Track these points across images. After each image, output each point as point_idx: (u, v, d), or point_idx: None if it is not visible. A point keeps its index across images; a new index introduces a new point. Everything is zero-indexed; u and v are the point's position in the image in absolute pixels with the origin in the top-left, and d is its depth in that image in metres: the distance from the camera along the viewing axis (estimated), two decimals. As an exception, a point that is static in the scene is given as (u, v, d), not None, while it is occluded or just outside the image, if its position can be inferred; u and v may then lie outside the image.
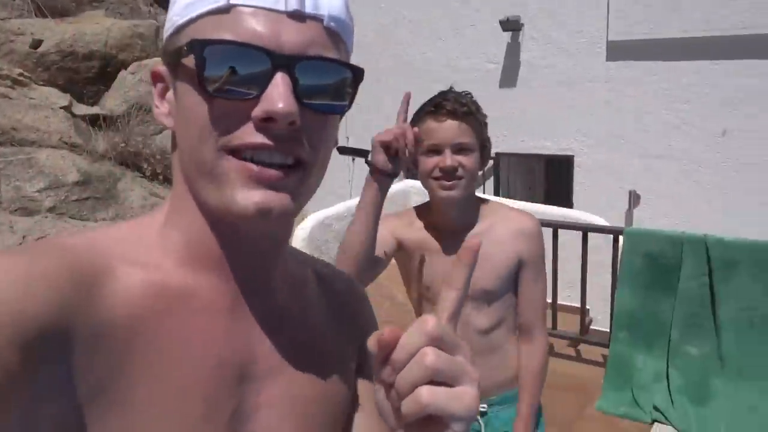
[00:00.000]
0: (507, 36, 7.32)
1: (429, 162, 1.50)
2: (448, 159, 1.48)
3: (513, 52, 7.40)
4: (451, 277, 0.53)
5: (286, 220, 0.62)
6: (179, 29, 0.56)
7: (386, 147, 1.36)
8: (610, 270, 3.90)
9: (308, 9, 0.55)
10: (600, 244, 4.13)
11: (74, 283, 0.49)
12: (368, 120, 8.49)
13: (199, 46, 0.53)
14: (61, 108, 5.88)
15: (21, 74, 5.84)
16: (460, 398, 0.45)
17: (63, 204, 5.23)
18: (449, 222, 1.60)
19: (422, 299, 1.68)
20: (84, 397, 0.49)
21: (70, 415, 0.48)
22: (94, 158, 5.73)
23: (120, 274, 0.54)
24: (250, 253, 0.61)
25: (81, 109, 6.15)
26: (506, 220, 1.62)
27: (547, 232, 4.14)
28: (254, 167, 0.54)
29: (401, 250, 1.63)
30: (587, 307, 4.70)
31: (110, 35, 6.65)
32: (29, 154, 5.31)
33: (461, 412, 0.45)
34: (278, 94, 0.52)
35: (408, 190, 5.96)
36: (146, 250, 0.58)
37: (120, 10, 7.93)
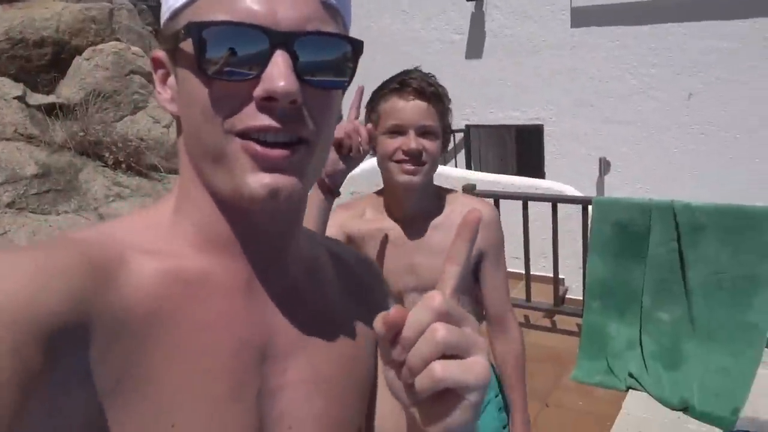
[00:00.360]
0: (470, 6, 7.23)
1: (391, 143, 1.39)
2: (413, 141, 1.37)
3: (477, 21, 7.31)
4: (450, 252, 0.53)
5: (296, 201, 0.61)
6: (176, 13, 0.56)
7: (338, 145, 1.27)
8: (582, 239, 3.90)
9: None
10: (572, 213, 4.13)
11: (90, 275, 0.50)
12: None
13: (196, 29, 0.52)
14: (14, 98, 5.67)
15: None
16: (472, 369, 0.46)
17: (22, 198, 5.07)
18: (407, 210, 1.49)
19: None
20: (107, 387, 0.50)
21: (93, 406, 0.49)
22: (52, 149, 5.55)
23: (133, 263, 0.54)
24: (262, 234, 0.61)
25: (36, 98, 5.93)
26: (464, 208, 1.46)
27: (517, 204, 4.14)
28: (258, 147, 0.53)
29: (351, 243, 1.51)
30: (562, 276, 4.73)
31: (62, 20, 6.40)
32: (-18, 147, 5.11)
33: (475, 382, 0.46)
34: (278, 73, 0.52)
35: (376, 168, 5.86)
36: (157, 238, 0.58)
37: (72, -7, 7.63)
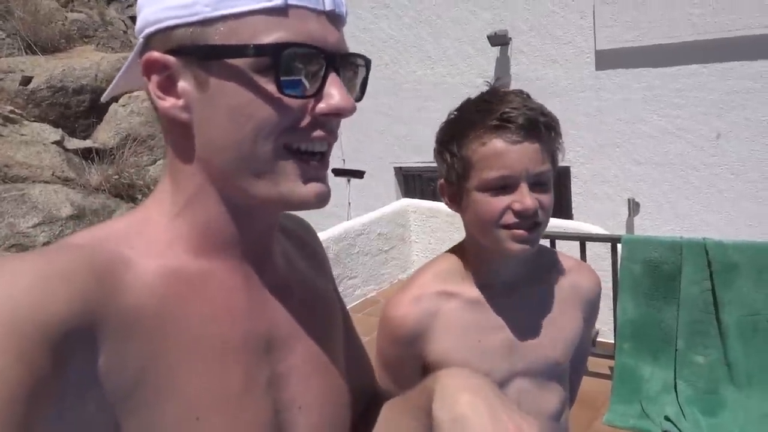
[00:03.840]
0: (496, 51, 7.33)
1: (494, 203, 1.02)
2: (528, 197, 1.01)
3: (503, 66, 7.41)
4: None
5: None
6: (208, 21, 0.55)
7: None
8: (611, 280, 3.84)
9: (337, 8, 0.59)
10: (601, 254, 4.07)
11: (93, 277, 0.50)
12: (360, 141, 8.49)
13: (277, 49, 0.54)
14: (53, 143, 5.87)
15: (12, 111, 5.83)
16: None
17: (57, 238, 5.20)
18: (503, 275, 1.14)
19: None
20: (126, 387, 0.51)
21: (115, 407, 0.50)
22: (87, 191, 5.72)
23: (136, 264, 0.55)
24: (259, 233, 0.65)
25: (73, 143, 6.14)
26: (570, 273, 1.21)
27: (545, 244, 4.09)
28: (308, 167, 0.59)
29: (434, 330, 1.13)
30: (591, 318, 4.62)
31: (100, 69, 6.67)
32: (22, 190, 5.28)
33: None
34: (341, 92, 0.57)
35: (405, 209, 5.91)
36: (156, 242, 0.59)
37: (111, 45, 7.96)
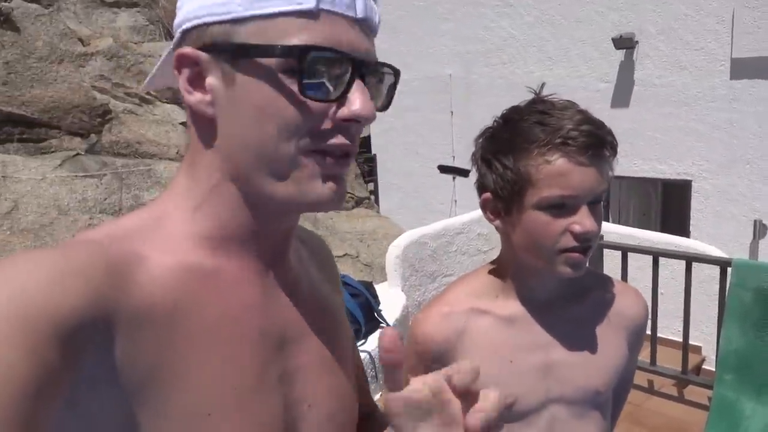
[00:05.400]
0: (620, 54, 7.00)
1: (554, 225, 0.97)
2: (588, 219, 0.96)
3: (626, 70, 7.06)
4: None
5: None
6: (240, 20, 0.56)
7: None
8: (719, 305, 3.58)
9: (369, 17, 0.59)
10: (715, 276, 3.80)
11: (108, 274, 0.51)
12: (472, 140, 8.40)
13: (303, 51, 0.55)
14: (180, 123, 6.31)
15: (148, 93, 6.33)
16: None
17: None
18: (542, 292, 1.09)
19: None
20: (139, 382, 0.51)
21: (127, 403, 0.51)
22: (207, 171, 6.09)
23: (151, 259, 0.56)
24: (275, 233, 0.65)
25: (198, 125, 6.57)
26: (614, 296, 1.15)
27: (647, 259, 3.88)
28: (326, 162, 0.58)
29: (465, 342, 1.08)
30: (699, 344, 4.33)
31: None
32: (149, 165, 5.72)
33: None
34: (364, 99, 0.57)
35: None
36: (171, 238, 0.59)
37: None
